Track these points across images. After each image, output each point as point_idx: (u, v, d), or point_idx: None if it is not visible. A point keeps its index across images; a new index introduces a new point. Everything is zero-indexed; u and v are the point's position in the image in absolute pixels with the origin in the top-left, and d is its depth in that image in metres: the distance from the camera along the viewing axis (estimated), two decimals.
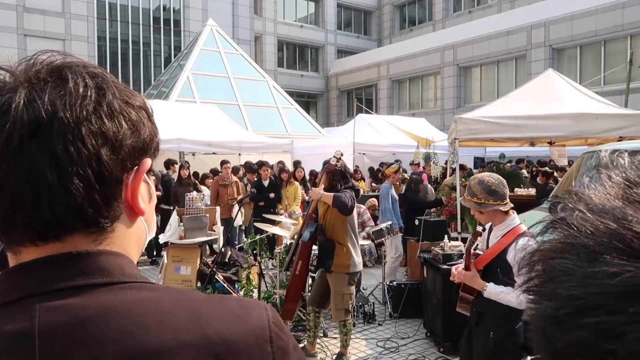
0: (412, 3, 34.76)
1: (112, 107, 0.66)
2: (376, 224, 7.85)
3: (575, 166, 6.58)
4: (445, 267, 5.25)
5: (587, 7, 21.13)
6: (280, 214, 8.45)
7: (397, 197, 7.58)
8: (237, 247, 8.89)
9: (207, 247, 8.75)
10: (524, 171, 13.25)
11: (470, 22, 28.22)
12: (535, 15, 23.20)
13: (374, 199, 10.11)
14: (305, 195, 9.50)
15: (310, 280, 5.69)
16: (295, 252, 4.96)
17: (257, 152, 12.17)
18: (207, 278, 5.75)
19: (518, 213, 3.35)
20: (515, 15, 24.73)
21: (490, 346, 3.09)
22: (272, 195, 9.16)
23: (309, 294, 5.41)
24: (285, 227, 7.17)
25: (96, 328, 0.60)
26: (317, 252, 5.13)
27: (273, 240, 7.98)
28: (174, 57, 24.85)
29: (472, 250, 3.20)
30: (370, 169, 14.58)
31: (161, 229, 8.25)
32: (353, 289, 5.04)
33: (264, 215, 7.82)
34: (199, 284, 6.86)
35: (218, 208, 8.40)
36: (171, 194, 9.40)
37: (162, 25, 28.85)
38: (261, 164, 9.73)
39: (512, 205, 3.20)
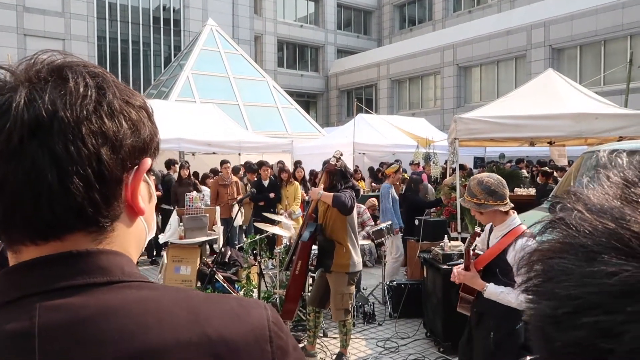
0: (412, 3, 34.76)
1: (113, 107, 0.66)
2: (376, 224, 7.86)
3: (575, 166, 6.58)
4: (445, 267, 5.26)
5: (587, 7, 21.13)
6: (280, 214, 8.45)
7: (397, 197, 7.58)
8: (237, 247, 8.89)
9: (207, 247, 8.75)
10: (524, 171, 13.26)
11: (470, 22, 28.22)
12: (535, 15, 23.20)
13: (374, 199, 10.11)
14: (305, 195, 9.50)
15: (310, 280, 5.69)
16: (295, 252, 4.96)
17: (257, 152, 12.17)
18: (207, 278, 5.74)
19: (518, 213, 3.35)
20: (515, 15, 24.73)
21: (490, 346, 3.09)
22: (272, 195, 9.17)
23: (309, 293, 5.41)
24: (285, 227, 7.17)
25: (96, 327, 0.60)
26: (317, 252, 5.13)
27: (273, 240, 7.98)
28: (174, 57, 24.85)
29: (471, 251, 3.20)
30: (370, 169, 14.58)
31: (162, 229, 8.26)
32: (353, 288, 5.04)
33: (264, 214, 7.83)
34: (198, 284, 6.86)
35: (218, 208, 8.40)
36: (171, 194, 9.40)
37: (162, 25, 28.85)
38: (261, 163, 9.73)
39: (512, 205, 3.19)
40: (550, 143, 9.72)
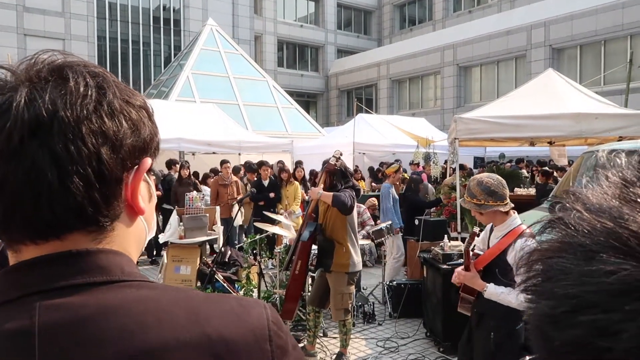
0: (412, 3, 34.76)
1: (113, 107, 0.66)
2: (376, 224, 7.86)
3: (575, 166, 6.58)
4: (445, 267, 5.26)
5: (587, 7, 21.13)
6: (280, 214, 8.45)
7: (397, 197, 7.58)
8: (237, 246, 8.89)
9: (207, 247, 8.75)
10: (524, 171, 13.26)
11: (470, 21, 28.22)
12: (535, 15, 23.20)
13: (373, 199, 10.12)
14: (305, 195, 9.50)
15: (310, 280, 5.69)
16: (295, 251, 4.96)
17: (257, 152, 12.17)
18: (207, 278, 5.75)
19: (518, 213, 3.35)
20: (515, 15, 24.74)
21: (490, 347, 3.09)
22: (272, 195, 9.17)
23: (309, 293, 5.41)
24: (285, 226, 7.18)
25: (96, 326, 0.60)
26: (316, 251, 5.13)
27: (273, 240, 7.98)
28: (174, 57, 24.85)
29: (470, 251, 3.19)
30: (370, 169, 14.59)
31: (163, 229, 8.27)
32: (352, 288, 5.04)
33: (264, 212, 7.83)
34: (198, 284, 6.86)
35: (218, 208, 8.40)
36: (171, 194, 9.41)
37: (162, 25, 28.85)
38: (261, 163, 9.73)
39: (512, 205, 3.19)
40: (550, 143, 9.72)
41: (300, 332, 5.62)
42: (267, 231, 6.59)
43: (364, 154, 14.86)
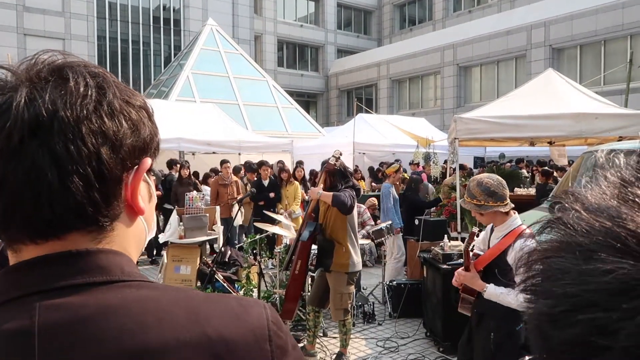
0: (412, 3, 34.76)
1: (113, 107, 0.66)
2: (376, 224, 7.86)
3: (575, 166, 6.58)
4: (445, 266, 5.26)
5: (587, 7, 21.13)
6: (280, 214, 8.45)
7: (397, 197, 7.59)
8: (236, 246, 8.89)
9: (207, 247, 8.76)
10: (524, 171, 13.26)
11: (470, 21, 28.23)
12: (535, 15, 23.20)
13: (373, 199, 10.12)
14: (305, 194, 9.50)
15: (309, 280, 5.69)
16: (295, 251, 4.96)
17: (257, 152, 12.17)
18: (207, 277, 5.75)
19: (518, 213, 3.35)
20: (515, 15, 24.74)
21: (490, 347, 3.09)
22: (272, 194, 9.17)
23: (309, 293, 5.41)
24: (285, 226, 7.18)
25: (96, 326, 0.60)
26: (316, 251, 5.13)
27: (273, 239, 7.98)
28: (174, 57, 24.86)
29: (469, 251, 3.19)
30: (370, 169, 14.59)
31: (163, 229, 8.27)
32: (352, 288, 5.03)
33: (264, 212, 7.84)
34: (198, 284, 6.86)
35: (218, 207, 8.40)
36: (171, 194, 9.42)
37: (162, 25, 28.85)
38: (261, 163, 9.73)
39: (512, 205, 3.19)
40: (550, 143, 9.72)
41: (300, 332, 5.63)
42: (267, 231, 6.59)
43: (364, 154, 14.86)
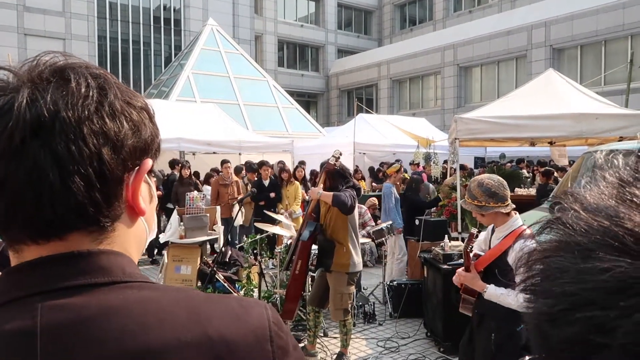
0: (412, 3, 34.76)
1: (114, 108, 0.67)
2: (377, 224, 7.86)
3: (576, 166, 6.58)
4: (445, 267, 5.27)
5: (588, 7, 21.13)
6: (281, 214, 8.45)
7: (398, 197, 7.59)
8: (237, 246, 8.89)
9: (208, 247, 8.76)
10: (524, 171, 13.26)
11: (470, 21, 28.23)
12: (535, 15, 23.20)
13: (374, 199, 10.13)
14: (305, 194, 9.51)
15: (310, 280, 5.70)
16: (295, 251, 4.96)
17: (258, 152, 12.17)
18: (208, 277, 5.74)
19: (519, 213, 3.34)
20: (516, 15, 24.74)
21: (491, 348, 3.09)
22: (272, 194, 9.17)
23: (309, 293, 5.41)
24: (286, 226, 7.18)
25: (98, 327, 0.61)
26: (317, 251, 5.13)
27: (273, 239, 7.99)
28: (175, 57, 24.88)
29: (469, 252, 3.19)
30: (371, 169, 14.59)
31: (164, 228, 8.28)
32: (352, 288, 5.03)
33: (265, 212, 7.84)
34: (199, 284, 6.86)
35: (218, 207, 8.40)
36: (172, 194, 9.44)
37: (162, 25, 28.87)
38: (262, 163, 9.74)
39: (513, 206, 3.19)
40: (551, 143, 9.72)
41: (300, 332, 5.63)
42: (267, 231, 6.59)
43: (364, 154, 14.87)
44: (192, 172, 10.27)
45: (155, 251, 9.71)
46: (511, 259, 2.99)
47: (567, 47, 22.61)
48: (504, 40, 24.56)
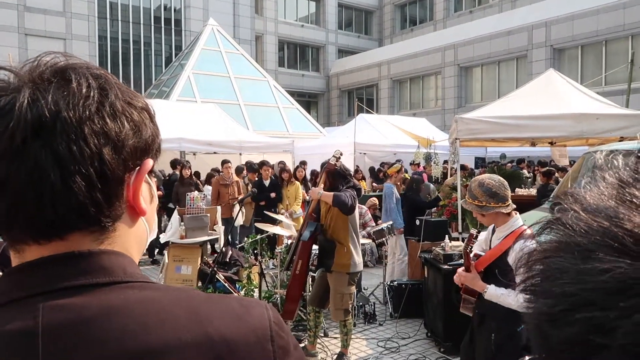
0: (413, 3, 34.76)
1: (115, 108, 0.67)
2: (377, 224, 7.85)
3: (576, 167, 6.58)
4: (446, 267, 5.26)
5: (588, 7, 21.12)
6: (281, 214, 8.46)
7: (399, 197, 7.59)
8: (237, 246, 8.89)
9: (208, 247, 8.76)
10: (525, 171, 13.25)
11: (471, 22, 28.22)
12: (536, 15, 23.19)
13: (374, 199, 10.13)
14: (306, 195, 9.51)
15: (310, 280, 5.70)
16: (296, 251, 4.96)
17: (258, 152, 12.17)
18: (208, 278, 5.75)
19: (519, 213, 3.34)
20: (516, 15, 24.73)
21: (491, 348, 3.09)
22: (273, 195, 9.17)
23: (309, 293, 5.41)
24: (287, 226, 7.19)
25: (99, 327, 0.61)
26: (317, 251, 5.13)
27: (274, 240, 7.99)
28: (175, 57, 24.88)
29: (468, 252, 3.18)
30: (371, 169, 14.59)
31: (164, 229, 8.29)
32: (353, 289, 5.03)
33: (265, 212, 7.84)
34: (199, 284, 6.86)
35: (219, 208, 8.40)
36: (172, 194, 9.45)
37: (163, 25, 28.88)
38: (262, 163, 9.74)
39: (514, 206, 3.18)
40: (552, 143, 9.72)
41: (301, 332, 5.63)
42: (267, 231, 6.59)
43: (364, 154, 14.87)
44: (192, 172, 10.27)
45: (156, 251, 9.71)
46: (511, 259, 2.99)
47: (567, 47, 22.60)
48: (504, 40, 24.55)
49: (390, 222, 6.96)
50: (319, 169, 7.24)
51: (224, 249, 7.23)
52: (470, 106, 22.82)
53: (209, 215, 7.54)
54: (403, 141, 14.25)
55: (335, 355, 5.08)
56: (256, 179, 9.79)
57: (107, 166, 0.64)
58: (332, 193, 4.68)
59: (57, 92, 0.64)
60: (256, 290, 6.19)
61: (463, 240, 6.03)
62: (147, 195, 0.74)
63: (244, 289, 6.40)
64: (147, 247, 0.80)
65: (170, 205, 9.46)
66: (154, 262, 9.50)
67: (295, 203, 9.23)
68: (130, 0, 27.71)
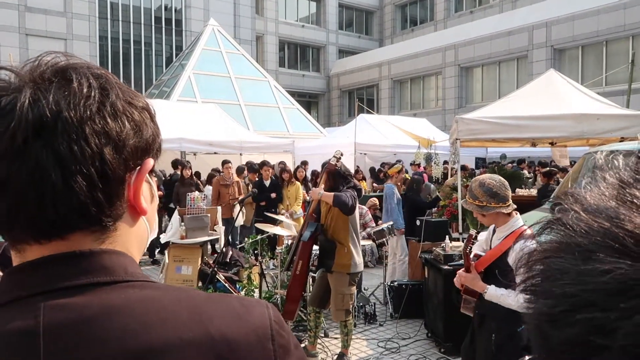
0: (413, 3, 34.76)
1: (116, 108, 0.67)
2: (377, 224, 7.85)
3: (577, 167, 6.58)
4: (446, 267, 5.26)
5: (589, 8, 21.11)
6: (282, 214, 8.45)
7: (400, 197, 7.59)
8: (238, 247, 8.89)
9: (209, 247, 8.76)
10: (525, 172, 13.24)
11: (471, 22, 28.22)
12: (536, 15, 23.19)
13: (375, 199, 10.12)
14: (306, 195, 9.51)
15: (311, 280, 5.70)
16: (296, 252, 4.96)
17: (259, 152, 12.17)
18: (208, 278, 5.75)
19: (520, 214, 3.34)
20: (517, 15, 24.72)
21: (491, 348, 3.08)
22: (273, 195, 9.17)
23: (310, 294, 5.41)
24: (287, 226, 7.18)
25: (100, 326, 0.61)
26: (318, 252, 5.13)
27: (274, 240, 7.99)
28: (176, 57, 24.88)
29: (468, 253, 3.18)
30: (372, 169, 14.59)
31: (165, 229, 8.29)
32: (354, 289, 5.03)
33: (265, 213, 7.84)
34: (200, 284, 6.86)
35: (219, 208, 8.40)
36: (173, 194, 9.45)
37: (163, 25, 28.89)
38: (263, 163, 9.74)
39: (515, 206, 3.18)
40: (552, 144, 9.71)
41: (301, 333, 5.63)
42: (268, 231, 6.59)
43: (365, 154, 14.87)
44: (193, 173, 10.28)
45: (157, 251, 9.71)
46: (511, 259, 2.98)
47: (568, 48, 22.59)
48: (505, 40, 24.55)
49: (391, 223, 6.96)
50: (319, 169, 7.24)
51: (224, 249, 7.23)
52: (471, 106, 22.81)
53: (209, 215, 7.54)
54: (403, 141, 14.25)
55: (336, 356, 5.08)
56: (257, 179, 9.78)
57: (108, 166, 0.65)
58: (332, 193, 4.68)
59: (58, 92, 0.64)
60: (256, 290, 6.19)
61: (463, 241, 6.03)
62: (148, 194, 0.74)
63: (244, 289, 6.40)
64: (147, 246, 0.80)
65: (171, 205, 9.47)
66: (155, 262, 9.50)
67: (296, 203, 9.23)
68: (131, 0, 27.72)
